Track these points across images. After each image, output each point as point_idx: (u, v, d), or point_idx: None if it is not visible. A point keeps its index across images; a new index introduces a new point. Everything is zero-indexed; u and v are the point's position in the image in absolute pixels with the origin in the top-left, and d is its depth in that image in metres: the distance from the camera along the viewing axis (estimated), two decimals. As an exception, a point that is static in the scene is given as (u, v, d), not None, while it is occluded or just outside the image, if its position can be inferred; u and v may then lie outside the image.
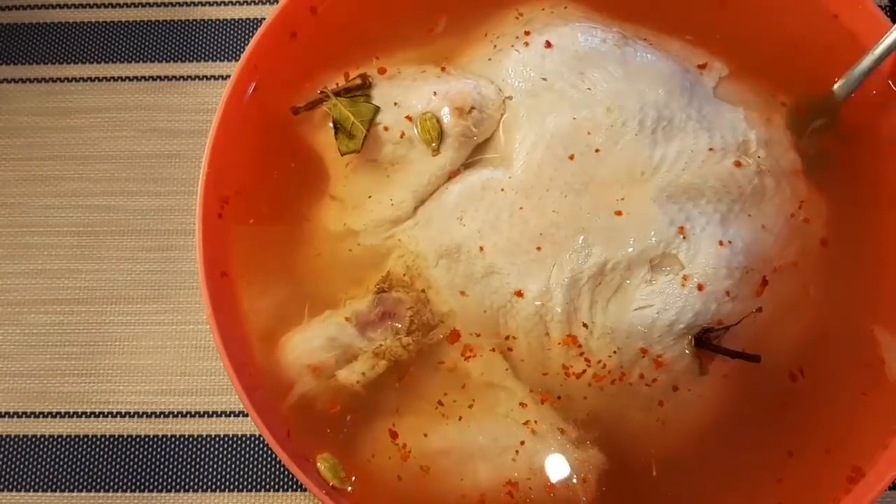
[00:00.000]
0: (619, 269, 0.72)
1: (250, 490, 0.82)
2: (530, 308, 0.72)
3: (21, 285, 0.88)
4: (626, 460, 0.72)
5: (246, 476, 0.82)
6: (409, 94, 0.77)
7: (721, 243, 0.72)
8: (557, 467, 0.70)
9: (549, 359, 0.72)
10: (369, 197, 0.76)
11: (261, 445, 0.83)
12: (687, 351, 0.71)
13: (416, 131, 0.76)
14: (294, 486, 0.81)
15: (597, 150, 0.74)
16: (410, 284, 0.73)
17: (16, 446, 0.84)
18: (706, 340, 0.71)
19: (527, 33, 0.79)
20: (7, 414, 0.85)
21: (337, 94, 0.77)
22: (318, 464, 0.71)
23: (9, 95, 0.94)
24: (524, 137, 0.75)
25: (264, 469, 0.82)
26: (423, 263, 0.74)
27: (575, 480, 0.70)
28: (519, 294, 0.72)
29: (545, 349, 0.72)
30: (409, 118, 0.76)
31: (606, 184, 0.73)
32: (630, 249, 0.72)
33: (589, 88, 0.76)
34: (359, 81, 0.78)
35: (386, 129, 0.76)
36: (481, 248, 0.73)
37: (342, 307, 0.74)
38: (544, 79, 0.76)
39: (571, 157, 0.74)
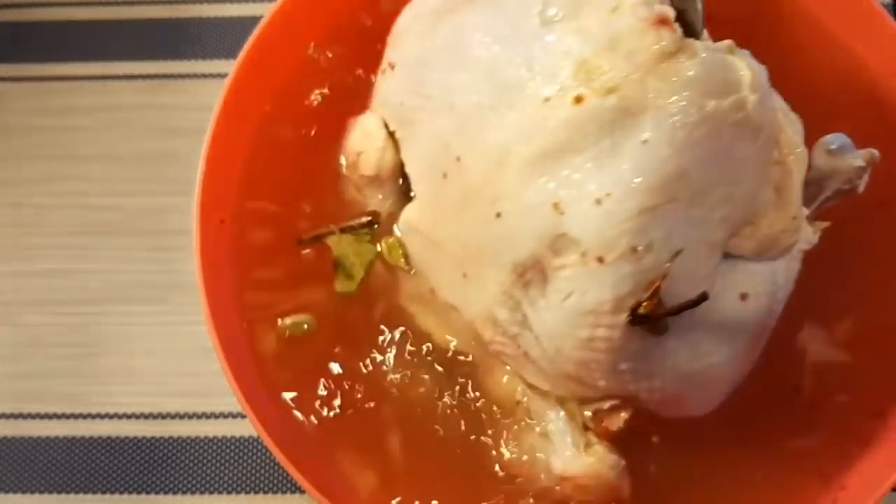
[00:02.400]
0: (532, 267, 0.64)
1: (248, 492, 0.81)
2: (488, 332, 0.68)
3: (18, 285, 0.88)
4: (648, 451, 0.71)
5: (244, 478, 0.82)
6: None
7: (598, 201, 0.61)
8: (581, 470, 0.69)
9: (537, 369, 0.69)
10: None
11: (259, 447, 0.82)
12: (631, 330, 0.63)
13: None
14: (292, 489, 0.81)
15: (458, 159, 0.66)
16: None
17: (12, 448, 0.83)
18: (640, 316, 0.62)
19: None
20: (3, 415, 0.84)
21: (343, 230, 0.76)
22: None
23: (4, 94, 0.93)
24: (412, 169, 0.71)
25: (263, 471, 0.82)
26: (411, 311, 0.74)
27: (600, 480, 0.68)
28: (473, 323, 0.69)
29: (526, 363, 0.69)
30: None
31: (477, 190, 0.65)
32: (526, 246, 0.64)
33: (429, 94, 0.69)
34: (366, 220, 0.76)
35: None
36: (432, 291, 0.71)
37: None
38: (402, 103, 0.71)
39: (445, 176, 0.67)
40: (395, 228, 0.75)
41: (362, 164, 0.74)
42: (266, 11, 0.78)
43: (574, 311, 0.63)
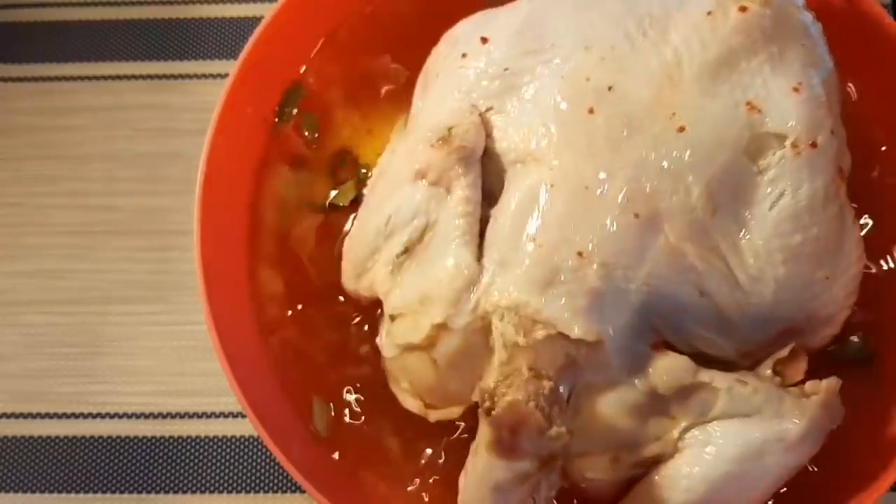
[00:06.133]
0: (724, 182, 0.65)
1: (248, 491, 0.81)
2: (671, 280, 0.64)
3: (18, 285, 0.88)
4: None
5: (244, 477, 0.82)
6: (401, 161, 0.71)
7: (795, 89, 0.67)
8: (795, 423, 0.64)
9: (720, 313, 0.66)
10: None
11: (259, 447, 0.82)
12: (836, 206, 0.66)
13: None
14: (292, 488, 0.81)
15: (609, 88, 0.66)
16: (511, 359, 0.62)
17: (13, 447, 0.83)
18: None
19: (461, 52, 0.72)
20: (4, 415, 0.84)
21: None
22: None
23: (5, 94, 0.93)
24: (531, 128, 0.67)
25: (263, 470, 0.82)
26: (531, 309, 0.63)
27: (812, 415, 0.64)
28: (649, 274, 0.64)
29: (712, 306, 0.65)
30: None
31: (646, 110, 0.66)
32: (719, 156, 0.65)
33: (553, 44, 0.69)
34: None
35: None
36: (580, 254, 0.63)
37: (477, 448, 0.62)
38: (506, 69, 0.69)
39: (591, 111, 0.66)
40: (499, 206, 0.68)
41: (459, 138, 0.67)
42: (266, 12, 0.78)
43: (786, 214, 0.65)
